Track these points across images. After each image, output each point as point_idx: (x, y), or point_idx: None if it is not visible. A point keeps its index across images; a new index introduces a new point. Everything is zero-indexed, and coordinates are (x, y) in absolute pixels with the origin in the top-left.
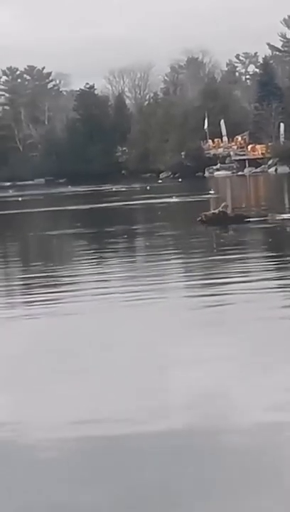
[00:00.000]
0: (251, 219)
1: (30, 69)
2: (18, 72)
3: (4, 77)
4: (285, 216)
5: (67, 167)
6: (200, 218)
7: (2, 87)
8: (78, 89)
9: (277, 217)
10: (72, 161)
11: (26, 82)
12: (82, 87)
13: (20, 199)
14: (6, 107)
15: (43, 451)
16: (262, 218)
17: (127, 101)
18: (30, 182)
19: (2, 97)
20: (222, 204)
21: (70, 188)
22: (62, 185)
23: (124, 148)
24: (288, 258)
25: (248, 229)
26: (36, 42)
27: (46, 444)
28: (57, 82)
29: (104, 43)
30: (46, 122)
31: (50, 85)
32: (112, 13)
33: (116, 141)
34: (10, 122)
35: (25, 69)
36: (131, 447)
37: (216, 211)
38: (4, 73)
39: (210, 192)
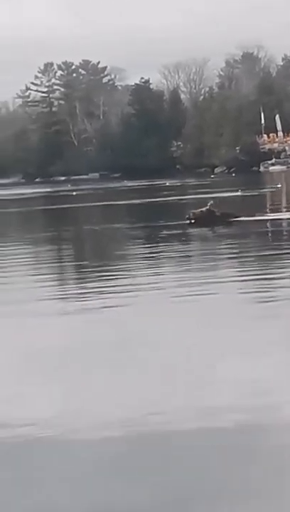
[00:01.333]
0: (238, 219)
1: (85, 63)
2: (73, 67)
3: (59, 72)
4: (273, 216)
5: (122, 162)
6: (188, 216)
7: (57, 81)
8: (133, 83)
9: (265, 217)
10: (127, 156)
11: (81, 77)
12: (137, 82)
13: (74, 193)
14: (62, 102)
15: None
16: (250, 218)
17: (182, 95)
18: (84, 176)
19: (57, 91)
20: (209, 202)
21: (125, 183)
22: (116, 179)
23: (179, 143)
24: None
25: (227, 232)
26: (91, 36)
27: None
28: (112, 76)
29: (159, 37)
30: (101, 117)
31: (105, 80)
32: (168, 7)
33: (171, 135)
34: (65, 117)
35: (80, 63)
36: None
37: (204, 209)
38: (59, 68)
39: (277, 186)
